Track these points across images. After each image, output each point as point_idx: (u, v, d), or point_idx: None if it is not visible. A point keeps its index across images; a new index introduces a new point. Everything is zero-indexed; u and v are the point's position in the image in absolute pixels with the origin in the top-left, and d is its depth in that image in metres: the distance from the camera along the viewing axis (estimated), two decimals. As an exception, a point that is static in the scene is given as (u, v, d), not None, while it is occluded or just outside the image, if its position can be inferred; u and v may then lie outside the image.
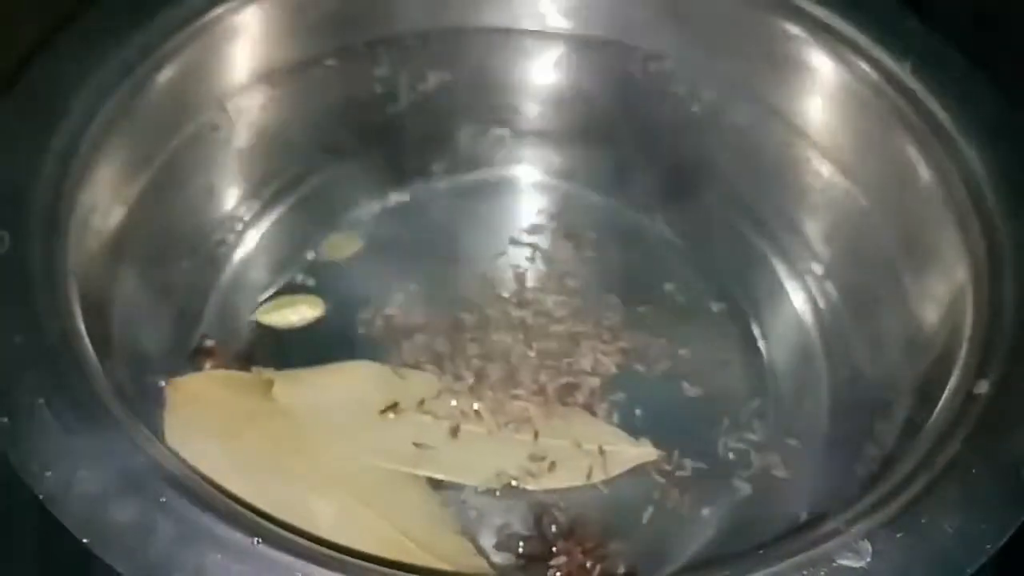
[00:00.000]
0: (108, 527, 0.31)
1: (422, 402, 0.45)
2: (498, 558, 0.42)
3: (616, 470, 0.44)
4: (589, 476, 0.44)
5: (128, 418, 0.34)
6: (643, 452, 0.45)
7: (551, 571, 0.41)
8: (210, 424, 0.42)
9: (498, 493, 0.43)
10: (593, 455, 0.44)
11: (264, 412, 0.43)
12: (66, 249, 0.39)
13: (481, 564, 0.41)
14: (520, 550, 0.42)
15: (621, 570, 0.42)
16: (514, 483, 0.43)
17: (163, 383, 0.43)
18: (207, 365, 0.45)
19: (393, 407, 0.44)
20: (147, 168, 0.46)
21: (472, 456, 0.43)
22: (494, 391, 0.46)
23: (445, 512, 0.42)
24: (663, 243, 0.53)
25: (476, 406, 0.45)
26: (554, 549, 0.42)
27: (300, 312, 0.49)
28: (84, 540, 0.30)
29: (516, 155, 0.56)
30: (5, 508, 0.40)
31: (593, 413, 0.46)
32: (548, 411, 0.45)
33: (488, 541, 0.42)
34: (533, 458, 0.44)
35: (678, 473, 0.45)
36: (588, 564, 0.41)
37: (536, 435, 0.44)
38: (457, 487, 0.43)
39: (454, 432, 0.44)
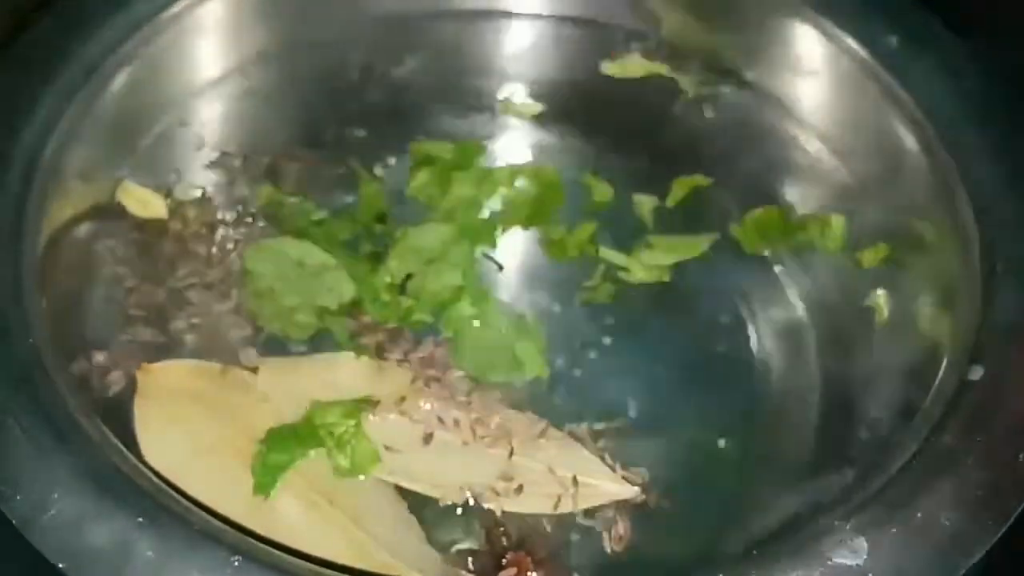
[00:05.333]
0: (84, 551, 0.30)
1: (402, 400, 0.43)
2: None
3: (587, 504, 0.41)
4: (556, 506, 0.41)
5: (102, 436, 0.33)
6: (621, 489, 0.42)
7: None
8: (179, 412, 0.42)
9: (459, 511, 0.41)
10: (565, 484, 0.42)
11: (236, 404, 0.43)
12: (35, 259, 0.38)
13: (449, 572, 0.40)
14: (470, 566, 0.40)
15: None
16: (476, 501, 0.41)
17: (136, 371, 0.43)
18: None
19: (369, 403, 0.43)
20: (116, 169, 0.45)
21: (440, 467, 0.42)
22: (472, 393, 0.44)
23: (412, 518, 0.41)
24: (647, 226, 0.52)
25: (454, 413, 0.43)
26: (504, 560, 0.40)
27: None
28: (60, 565, 0.30)
29: (496, 139, 0.55)
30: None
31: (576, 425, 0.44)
32: (531, 429, 0.43)
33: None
34: (502, 477, 0.42)
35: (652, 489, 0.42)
36: None
37: (511, 453, 0.42)
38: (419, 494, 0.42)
39: (427, 439, 0.42)
